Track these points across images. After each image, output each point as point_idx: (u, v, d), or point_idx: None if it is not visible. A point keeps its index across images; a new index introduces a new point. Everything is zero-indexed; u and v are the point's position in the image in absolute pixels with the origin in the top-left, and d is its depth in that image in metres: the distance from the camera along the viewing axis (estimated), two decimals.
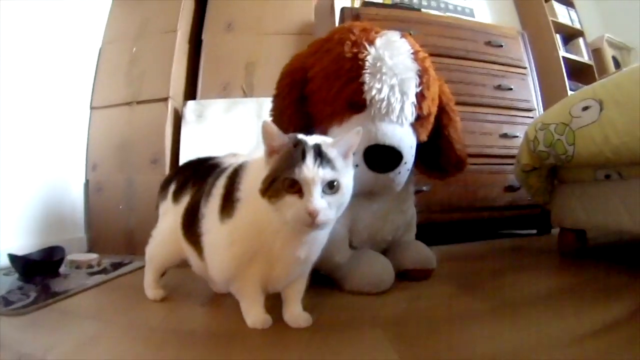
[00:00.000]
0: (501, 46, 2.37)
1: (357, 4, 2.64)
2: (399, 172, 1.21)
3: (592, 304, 1.05)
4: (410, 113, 1.21)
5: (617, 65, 3.44)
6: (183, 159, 2.13)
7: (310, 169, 0.68)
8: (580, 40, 3.39)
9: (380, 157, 1.18)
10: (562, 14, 3.38)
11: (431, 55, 2.16)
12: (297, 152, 0.71)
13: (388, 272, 1.21)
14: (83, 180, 2.30)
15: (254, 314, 0.88)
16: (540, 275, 1.46)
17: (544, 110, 2.40)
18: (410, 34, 2.12)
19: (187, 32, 2.55)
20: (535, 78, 2.47)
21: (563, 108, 1.50)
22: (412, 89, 1.21)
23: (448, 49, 2.21)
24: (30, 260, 1.54)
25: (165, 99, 2.29)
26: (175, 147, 2.24)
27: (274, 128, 0.73)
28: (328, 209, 0.70)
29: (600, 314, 0.95)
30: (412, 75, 1.21)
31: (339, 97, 1.20)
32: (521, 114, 2.32)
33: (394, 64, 1.19)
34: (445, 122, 1.37)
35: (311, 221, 0.68)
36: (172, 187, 1.11)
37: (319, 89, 1.24)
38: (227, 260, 0.86)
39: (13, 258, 1.51)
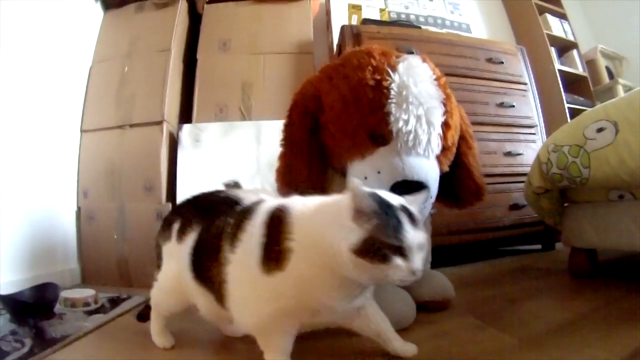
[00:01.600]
0: (502, 63, 2.35)
1: (354, 22, 2.59)
2: (425, 207, 1.14)
3: (616, 328, 1.02)
4: (436, 145, 1.13)
5: (611, 75, 3.46)
6: (180, 186, 2.07)
7: (413, 236, 0.72)
8: (574, 52, 3.39)
9: (408, 193, 1.10)
10: (556, 27, 3.38)
11: None
12: (393, 219, 0.73)
13: (410, 307, 1.15)
14: (74, 208, 2.20)
15: None
16: (557, 299, 1.42)
17: (545, 126, 2.38)
18: (413, 53, 2.13)
19: (181, 51, 2.49)
20: (536, 93, 2.44)
21: (576, 129, 1.45)
22: (438, 119, 1.13)
23: (450, 67, 2.16)
24: (22, 301, 1.44)
25: (160, 123, 2.20)
26: (171, 173, 2.15)
27: (363, 190, 0.72)
28: (422, 264, 0.74)
29: (627, 339, 0.92)
30: (437, 103, 1.13)
31: (360, 129, 1.11)
32: (524, 131, 2.29)
33: (419, 91, 1.10)
34: (464, 149, 1.31)
35: (414, 278, 0.73)
36: (175, 226, 1.00)
37: (337, 119, 1.15)
38: (266, 314, 0.81)
39: (3, 299, 1.41)
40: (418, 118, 1.09)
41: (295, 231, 0.78)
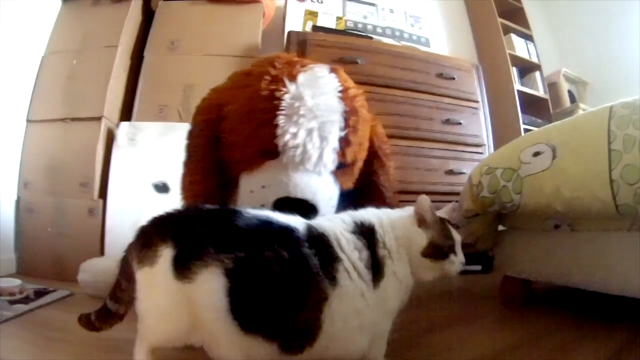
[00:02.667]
0: (453, 78, 2.27)
1: (308, 28, 2.51)
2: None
3: None
4: (330, 161, 1.05)
5: (573, 99, 3.42)
6: (112, 184, 1.99)
7: (457, 236, 0.90)
8: (537, 73, 3.35)
9: (293, 211, 1.00)
10: (520, 47, 3.34)
11: (378, 86, 2.12)
12: (444, 225, 0.89)
13: None
14: (14, 197, 2.11)
15: None
16: (482, 329, 1.31)
17: (494, 145, 2.31)
18: (358, 63, 2.06)
19: (130, 48, 2.39)
20: (487, 112, 2.38)
21: (513, 151, 1.35)
22: (335, 134, 1.04)
23: (397, 80, 2.10)
24: None
25: (99, 118, 2.11)
26: (106, 170, 2.06)
27: (428, 202, 0.87)
28: None
29: None
30: (335, 117, 1.05)
31: (251, 141, 1.04)
32: (469, 150, 2.22)
33: (315, 104, 1.02)
34: (376, 167, 1.23)
35: (462, 269, 0.90)
36: (167, 253, 0.76)
37: (231, 129, 1.08)
38: (386, 331, 0.88)
39: None
40: (309, 132, 1.01)
41: (386, 240, 0.86)
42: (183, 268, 0.74)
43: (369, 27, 2.71)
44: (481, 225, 1.53)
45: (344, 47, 2.07)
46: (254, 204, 0.99)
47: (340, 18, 2.66)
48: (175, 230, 0.79)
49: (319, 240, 0.80)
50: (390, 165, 1.27)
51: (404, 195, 2.00)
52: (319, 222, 0.87)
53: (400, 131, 2.05)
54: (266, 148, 1.02)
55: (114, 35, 2.28)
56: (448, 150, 2.15)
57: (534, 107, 3.18)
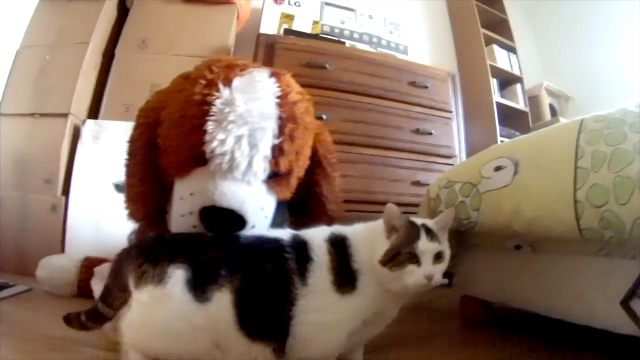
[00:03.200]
0: (426, 87, 2.22)
1: (282, 32, 2.45)
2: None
3: None
4: (261, 169, 0.99)
5: (554, 113, 3.38)
6: (75, 182, 1.96)
7: (425, 244, 0.82)
8: (518, 86, 3.31)
9: (221, 220, 0.95)
10: (502, 59, 3.30)
11: (346, 92, 2.06)
12: (414, 231, 0.83)
13: None
14: None
15: None
16: (438, 350, 1.22)
17: (466, 157, 2.26)
18: (326, 68, 2.00)
19: (103, 46, 2.34)
20: (461, 123, 2.32)
21: (475, 165, 1.28)
22: (267, 141, 0.98)
23: (366, 87, 2.04)
24: None
25: (66, 115, 2.07)
26: (70, 167, 2.02)
27: (397, 210, 0.84)
28: (438, 273, 0.83)
29: None
30: (268, 124, 0.98)
31: (181, 147, 0.99)
32: (440, 161, 2.16)
33: (246, 110, 0.96)
34: (319, 177, 1.16)
35: (428, 284, 0.81)
36: (178, 274, 0.79)
37: (164, 135, 1.03)
38: (339, 335, 0.84)
39: None
40: (238, 139, 0.95)
41: (357, 253, 0.86)
42: (200, 290, 0.79)
43: (346, 32, 2.67)
44: None
45: (313, 52, 2.01)
46: (183, 211, 0.96)
47: (317, 22, 2.60)
48: (188, 252, 0.84)
49: (300, 245, 0.87)
50: (335, 175, 1.20)
51: (367, 206, 1.99)
52: (304, 231, 0.92)
53: (367, 139, 2.00)
54: (196, 154, 0.97)
55: (86, 32, 2.24)
56: (417, 160, 2.09)
57: (514, 119, 3.14)
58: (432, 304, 1.77)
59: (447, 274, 2.00)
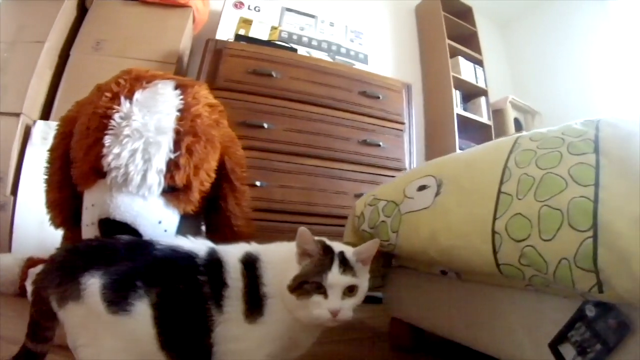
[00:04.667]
0: (378, 97, 2.17)
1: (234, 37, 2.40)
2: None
3: None
4: (155, 184, 0.98)
5: (520, 127, 3.35)
6: (23, 182, 1.93)
7: (335, 276, 0.75)
8: (482, 99, 3.28)
9: (116, 233, 0.94)
10: (467, 71, 3.27)
11: (292, 101, 2.01)
12: (326, 260, 0.77)
13: None
14: None
15: None
16: None
17: None
18: (272, 76, 1.95)
19: (60, 46, 2.28)
20: (413, 135, 2.27)
21: (402, 183, 1.18)
22: (161, 156, 0.98)
23: (314, 96, 2.00)
24: None
25: (18, 115, 2.02)
26: (20, 167, 1.99)
27: (309, 234, 0.78)
28: (347, 308, 0.76)
29: None
30: (163, 138, 0.98)
31: (85, 159, 1.00)
32: (387, 174, 2.10)
33: (143, 124, 0.97)
34: (225, 192, 1.14)
35: (332, 318, 0.74)
36: (91, 284, 0.72)
37: (73, 147, 1.04)
38: None
39: None
40: (132, 153, 0.96)
41: (266, 276, 0.80)
42: (117, 299, 0.72)
43: (304, 39, 2.62)
44: None
45: (261, 59, 1.97)
46: (87, 221, 0.98)
47: (276, 28, 2.55)
48: (102, 259, 0.76)
49: (215, 266, 0.80)
50: (244, 190, 1.18)
51: (307, 218, 1.94)
52: (222, 247, 0.86)
53: (310, 150, 1.95)
54: (96, 167, 0.98)
55: (43, 31, 2.19)
56: (362, 172, 2.04)
57: (477, 132, 3.11)
58: (364, 324, 1.70)
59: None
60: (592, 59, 3.22)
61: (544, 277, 0.76)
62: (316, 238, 0.80)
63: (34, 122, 2.04)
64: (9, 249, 1.83)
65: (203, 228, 1.19)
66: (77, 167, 1.01)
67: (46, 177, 1.12)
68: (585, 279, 0.69)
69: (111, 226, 0.94)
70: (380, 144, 2.10)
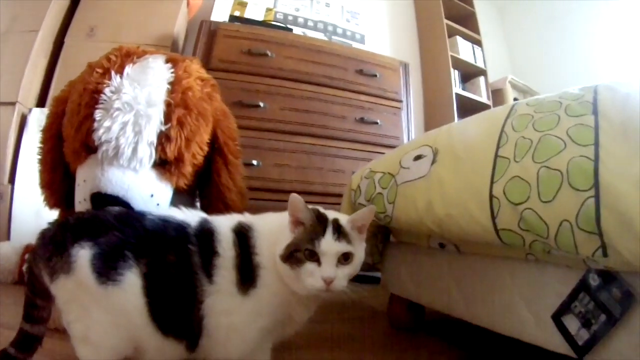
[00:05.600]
0: (375, 76, 2.13)
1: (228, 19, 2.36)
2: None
3: None
4: (146, 156, 0.96)
5: None
6: (20, 170, 1.94)
7: (328, 243, 0.72)
8: (481, 79, 3.23)
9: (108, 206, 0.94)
10: (466, 51, 3.21)
11: (287, 80, 1.97)
12: (320, 227, 0.74)
13: None
14: None
15: None
16: (360, 356, 1.11)
17: None
18: (267, 55, 1.92)
19: (54, 34, 2.27)
20: (411, 113, 2.23)
21: (399, 154, 1.16)
22: (151, 128, 0.96)
23: (309, 75, 1.96)
24: None
25: (13, 104, 2.02)
26: (17, 155, 1.99)
27: (301, 201, 0.74)
28: (341, 277, 0.73)
29: None
30: (153, 111, 0.97)
31: (76, 136, 0.98)
32: (385, 152, 2.00)
33: (133, 97, 0.96)
34: (218, 165, 1.12)
35: (326, 288, 0.72)
36: (82, 255, 0.70)
37: (65, 124, 1.03)
38: (251, 335, 0.77)
39: None
40: (123, 125, 0.94)
41: (259, 245, 0.78)
42: (106, 269, 0.70)
43: (300, 20, 2.58)
44: None
45: (256, 39, 1.93)
46: (80, 197, 0.96)
47: (270, 9, 2.52)
48: (92, 231, 0.74)
49: (206, 236, 0.78)
50: (237, 163, 1.16)
51: (303, 196, 1.87)
52: (215, 217, 0.84)
53: (306, 128, 1.91)
54: (87, 142, 0.96)
55: (37, 20, 2.17)
56: (359, 150, 2.01)
57: (477, 112, 2.99)
58: (363, 303, 1.67)
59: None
60: (592, 38, 3.15)
61: (544, 242, 0.73)
62: (310, 207, 0.77)
63: (30, 110, 2.05)
64: (8, 237, 1.84)
65: (198, 205, 1.17)
66: (69, 145, 1.00)
67: (39, 157, 1.11)
68: (588, 242, 0.65)
69: (103, 200, 0.92)
70: (378, 122, 2.06)
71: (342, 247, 0.73)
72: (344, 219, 0.77)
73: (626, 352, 0.65)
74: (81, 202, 0.94)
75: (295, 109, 1.89)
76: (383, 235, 1.40)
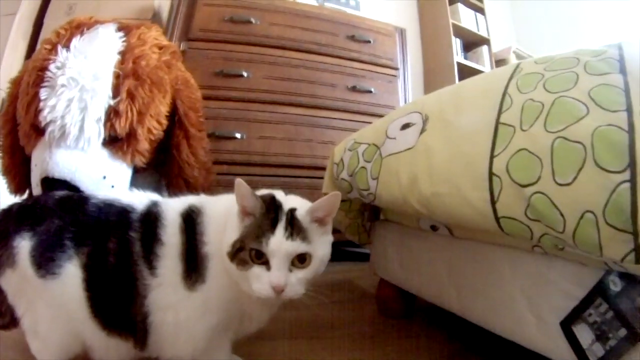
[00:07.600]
0: (368, 42, 1.94)
1: None
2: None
3: None
4: (95, 135, 0.88)
5: None
6: None
7: (278, 242, 0.59)
8: (484, 48, 3.04)
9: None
10: (468, 19, 3.01)
11: (271, 47, 1.81)
12: (268, 220, 0.61)
13: None
14: None
15: None
16: (336, 344, 0.98)
17: None
18: (251, 22, 1.75)
19: (34, 15, 2.20)
20: (409, 81, 2.05)
21: (384, 123, 0.98)
22: (98, 103, 0.88)
23: (294, 42, 1.79)
24: None
25: None
26: None
27: (246, 187, 0.61)
28: (295, 283, 0.60)
29: None
30: (99, 84, 0.88)
31: (25, 117, 0.91)
32: None
33: (79, 71, 0.87)
34: (178, 139, 1.01)
35: (275, 296, 0.59)
36: (23, 246, 0.64)
37: (18, 107, 0.95)
38: (200, 333, 0.66)
39: None
40: (68, 103, 0.86)
41: (207, 232, 0.66)
42: (45, 261, 0.63)
43: None
44: (346, 214, 1.19)
45: (237, 6, 1.75)
46: (34, 183, 0.89)
47: None
48: (30, 219, 0.67)
49: (151, 221, 0.67)
50: (200, 136, 1.05)
51: (291, 170, 1.75)
52: (166, 200, 0.74)
53: (292, 97, 1.74)
54: (36, 124, 0.89)
55: (14, 3, 2.11)
56: (351, 121, 1.83)
57: None
58: (352, 284, 1.53)
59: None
60: (603, 5, 2.92)
61: (558, 237, 0.55)
62: (266, 191, 0.65)
63: None
64: None
65: None
66: (21, 127, 0.92)
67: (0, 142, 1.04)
68: (617, 243, 0.48)
69: (52, 185, 0.84)
70: (372, 90, 1.89)
71: (295, 246, 0.60)
72: (303, 208, 0.64)
73: None
74: (34, 188, 0.88)
75: (281, 77, 1.72)
76: (371, 213, 1.24)
